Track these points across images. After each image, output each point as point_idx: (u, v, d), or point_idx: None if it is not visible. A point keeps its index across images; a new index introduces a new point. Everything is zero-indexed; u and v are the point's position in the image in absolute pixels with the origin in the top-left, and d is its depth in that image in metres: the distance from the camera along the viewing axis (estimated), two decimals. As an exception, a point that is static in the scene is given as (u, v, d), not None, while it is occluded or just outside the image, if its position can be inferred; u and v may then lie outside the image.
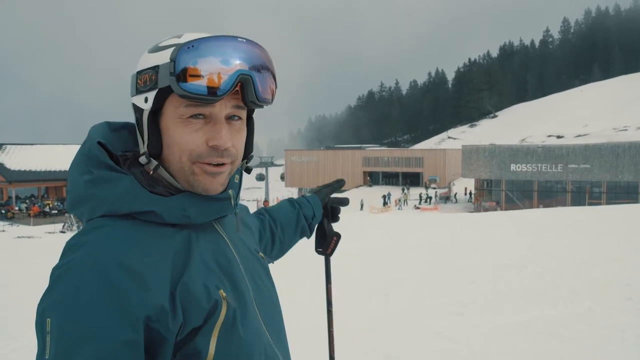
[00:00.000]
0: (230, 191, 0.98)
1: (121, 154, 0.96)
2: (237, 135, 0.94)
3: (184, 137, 0.89)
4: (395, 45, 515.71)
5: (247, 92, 0.89)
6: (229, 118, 0.92)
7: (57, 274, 0.83)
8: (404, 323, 4.96)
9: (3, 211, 38.21)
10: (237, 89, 0.88)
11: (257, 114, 1.03)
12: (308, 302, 5.53)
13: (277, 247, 1.47)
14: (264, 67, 0.91)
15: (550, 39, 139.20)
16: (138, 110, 0.93)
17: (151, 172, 0.92)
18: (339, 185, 1.69)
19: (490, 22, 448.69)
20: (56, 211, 38.41)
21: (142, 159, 0.92)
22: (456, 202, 44.16)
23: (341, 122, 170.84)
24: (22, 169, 42.14)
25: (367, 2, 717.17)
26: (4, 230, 30.85)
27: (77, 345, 0.77)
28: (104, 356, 0.77)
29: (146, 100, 0.89)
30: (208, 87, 0.84)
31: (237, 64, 0.87)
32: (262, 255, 1.15)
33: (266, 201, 44.01)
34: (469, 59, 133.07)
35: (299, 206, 1.55)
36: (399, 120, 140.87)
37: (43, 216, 37.07)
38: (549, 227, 11.74)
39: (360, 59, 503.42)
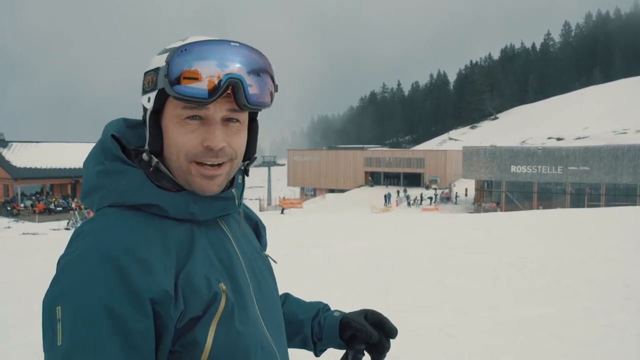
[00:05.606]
0: (233, 190, 1.01)
1: (134, 148, 1.00)
2: (235, 137, 0.95)
3: (180, 137, 0.92)
4: (398, 46, 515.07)
5: (238, 96, 0.90)
6: (227, 120, 0.94)
7: (65, 261, 0.85)
8: (405, 321, 4.94)
9: (8, 208, 38.15)
10: (228, 92, 0.90)
11: (261, 113, 1.05)
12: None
13: None
14: (261, 71, 0.94)
15: (552, 42, 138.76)
16: (144, 110, 0.97)
17: (151, 169, 0.95)
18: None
19: (492, 25, 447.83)
20: (61, 208, 38.40)
21: (144, 156, 0.96)
22: (456, 202, 44.19)
23: (343, 122, 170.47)
24: (28, 167, 42.09)
25: (371, 4, 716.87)
26: (9, 227, 30.75)
27: (93, 325, 0.78)
28: (119, 335, 0.79)
29: (149, 100, 0.94)
30: (200, 90, 0.87)
31: (228, 67, 0.89)
32: (266, 254, 1.17)
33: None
34: (471, 61, 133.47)
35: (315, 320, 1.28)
36: (401, 121, 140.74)
37: (48, 213, 37.09)
38: (550, 227, 11.78)
39: (362, 60, 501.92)
